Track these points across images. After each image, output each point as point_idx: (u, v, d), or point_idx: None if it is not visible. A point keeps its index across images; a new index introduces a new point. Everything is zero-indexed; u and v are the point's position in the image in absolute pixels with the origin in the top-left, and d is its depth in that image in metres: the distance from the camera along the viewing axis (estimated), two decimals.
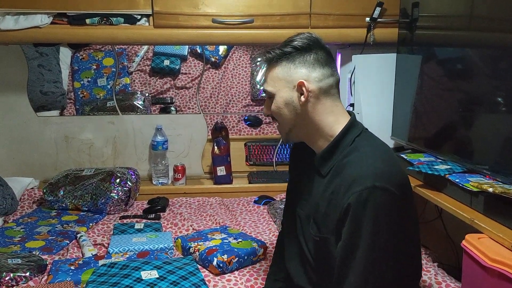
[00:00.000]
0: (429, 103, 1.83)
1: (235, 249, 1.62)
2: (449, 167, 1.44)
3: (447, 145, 1.67)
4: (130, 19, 1.93)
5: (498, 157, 1.38)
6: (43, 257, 1.65)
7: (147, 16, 1.94)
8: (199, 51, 3.05)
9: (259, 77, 3.03)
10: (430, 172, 1.41)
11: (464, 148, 1.56)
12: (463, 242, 1.08)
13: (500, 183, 1.21)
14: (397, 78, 1.90)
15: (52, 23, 1.89)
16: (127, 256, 1.61)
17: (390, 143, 1.91)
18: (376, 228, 0.94)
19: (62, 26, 1.91)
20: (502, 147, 1.39)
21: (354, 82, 1.98)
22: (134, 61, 3.08)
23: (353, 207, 0.97)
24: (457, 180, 1.30)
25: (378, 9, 1.88)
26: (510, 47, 1.39)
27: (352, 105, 2.01)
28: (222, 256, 1.57)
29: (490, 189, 1.11)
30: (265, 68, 1.16)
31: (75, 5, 1.88)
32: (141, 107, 2.83)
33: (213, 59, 3.06)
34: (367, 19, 1.93)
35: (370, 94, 1.95)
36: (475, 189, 1.19)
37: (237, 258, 1.59)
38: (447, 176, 1.36)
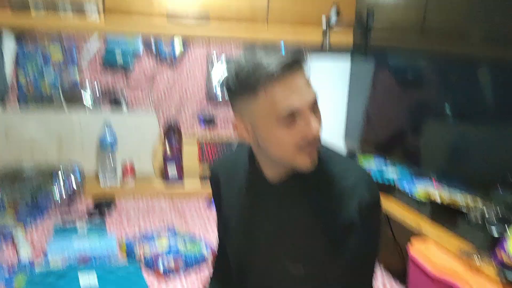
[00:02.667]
0: (381, 109, 1.86)
1: (183, 253, 1.57)
2: (397, 171, 1.46)
3: (397, 150, 1.70)
4: (79, 8, 1.83)
5: (445, 162, 1.41)
6: None
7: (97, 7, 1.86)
8: (153, 47, 2.96)
9: (214, 77, 2.98)
10: (380, 182, 1.42)
11: (412, 153, 1.59)
12: (410, 247, 1.08)
13: (447, 190, 1.23)
14: (351, 83, 1.92)
15: None
16: (67, 261, 1.52)
17: (343, 147, 1.93)
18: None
19: (4, 11, 1.78)
20: (448, 154, 1.42)
21: None
22: (84, 55, 2.94)
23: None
24: (406, 189, 1.31)
25: (334, 16, 1.88)
26: (459, 58, 1.42)
27: None
28: (168, 260, 1.51)
29: (438, 200, 1.12)
30: (296, 74, 0.90)
31: None
32: (90, 102, 2.70)
33: (168, 57, 2.97)
34: (323, 25, 1.93)
35: (324, 98, 1.95)
36: (424, 200, 1.20)
37: (184, 262, 1.53)
38: (395, 183, 1.37)
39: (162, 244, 1.65)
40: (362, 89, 1.89)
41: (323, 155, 0.99)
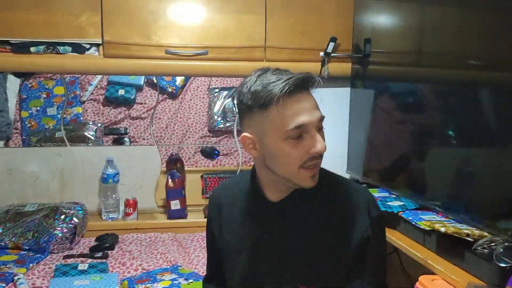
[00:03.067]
0: (383, 137, 1.84)
1: None
2: (402, 203, 1.43)
3: (401, 180, 1.67)
4: (79, 48, 1.86)
5: (449, 192, 1.38)
6: None
7: (97, 45, 1.88)
8: (155, 81, 2.99)
9: (216, 107, 3.00)
10: (383, 208, 1.39)
11: (417, 183, 1.56)
12: (417, 285, 1.05)
13: (453, 222, 1.20)
14: (351, 112, 1.90)
15: None
16: None
17: (346, 177, 1.90)
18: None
19: (5, 54, 1.81)
20: (453, 182, 1.39)
21: None
22: (87, 90, 2.98)
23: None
24: (410, 218, 1.28)
25: (331, 44, 1.89)
26: (458, 82, 1.41)
27: None
28: None
29: (442, 229, 1.10)
30: (303, 94, 0.97)
31: (20, 33, 1.79)
32: (92, 137, 2.72)
33: (170, 89, 3.00)
34: (321, 53, 1.94)
35: (325, 128, 1.94)
36: (427, 228, 1.17)
37: None
38: (400, 213, 1.34)
39: (164, 283, 1.61)
40: (363, 117, 1.87)
41: (323, 175, 1.04)
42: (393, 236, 1.37)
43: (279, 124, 0.95)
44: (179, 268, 1.77)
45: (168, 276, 1.66)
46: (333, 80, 1.95)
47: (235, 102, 1.05)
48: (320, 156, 0.98)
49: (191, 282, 1.60)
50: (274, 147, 0.97)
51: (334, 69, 1.96)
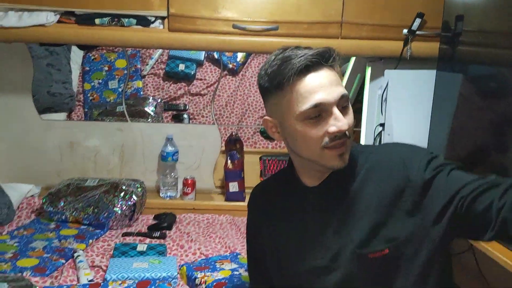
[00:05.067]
0: (469, 125, 1.64)
1: (247, 284, 1.44)
2: None
3: (482, 171, 1.49)
4: (143, 21, 1.77)
5: None
6: (34, 279, 1.50)
7: (162, 18, 1.78)
8: (216, 56, 2.89)
9: None
10: None
11: (505, 175, 1.38)
12: None
13: None
14: (436, 97, 1.71)
15: (58, 21, 1.73)
16: (126, 285, 1.44)
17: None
18: None
19: (69, 26, 1.75)
20: None
21: (385, 99, 1.80)
22: (147, 64, 2.93)
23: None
24: None
25: (418, 21, 1.69)
26: None
27: (382, 125, 1.82)
28: None
29: None
30: (324, 69, 0.91)
31: (84, 3, 1.72)
32: (152, 113, 2.67)
33: (230, 66, 2.89)
34: (405, 31, 1.74)
35: (403, 113, 1.76)
36: None
37: None
38: None
39: (224, 271, 1.53)
40: (448, 103, 1.68)
41: (358, 151, 1.00)
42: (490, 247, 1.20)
43: (295, 105, 0.91)
44: (239, 256, 1.69)
45: (228, 265, 1.58)
46: (416, 61, 1.75)
47: (258, 85, 0.99)
48: (344, 135, 0.91)
49: None
50: (293, 129, 0.93)
51: (418, 48, 1.76)
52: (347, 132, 0.91)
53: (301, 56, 0.89)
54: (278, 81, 0.91)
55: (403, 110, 1.78)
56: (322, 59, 0.90)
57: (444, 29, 1.68)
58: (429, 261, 0.94)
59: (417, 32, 1.73)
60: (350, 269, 0.96)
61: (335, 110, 0.90)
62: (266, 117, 0.98)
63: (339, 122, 0.89)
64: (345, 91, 0.92)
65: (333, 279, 0.98)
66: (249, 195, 2.30)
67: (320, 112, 0.90)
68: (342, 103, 0.91)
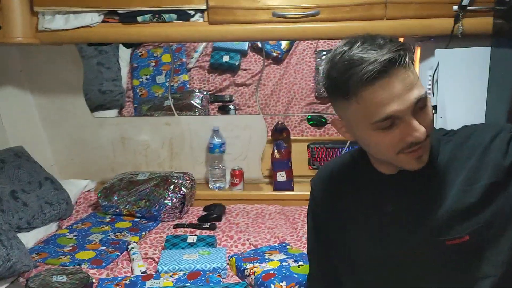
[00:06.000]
0: None
1: (295, 275, 1.43)
2: None
3: None
4: (183, 15, 1.78)
5: None
6: (91, 271, 1.57)
7: (201, 11, 1.78)
8: (260, 45, 2.86)
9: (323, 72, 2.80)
10: None
11: None
12: None
13: None
14: (491, 76, 1.60)
15: (103, 21, 1.79)
16: (177, 276, 1.48)
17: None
18: None
19: (113, 25, 1.80)
20: None
21: (437, 80, 1.71)
22: (192, 57, 2.96)
23: None
24: None
25: None
26: None
27: (434, 107, 1.73)
28: (281, 283, 1.39)
29: None
30: (401, 69, 0.80)
31: (127, 2, 1.76)
32: (198, 106, 2.70)
33: (274, 54, 2.86)
34: (455, 7, 1.64)
35: (456, 94, 1.67)
36: None
37: (297, 286, 1.40)
38: None
39: (273, 262, 1.53)
40: (505, 82, 1.57)
41: (436, 139, 0.92)
42: None
43: (363, 116, 0.82)
44: (287, 247, 1.68)
45: (276, 256, 1.58)
46: (469, 39, 1.65)
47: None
48: (421, 141, 0.82)
49: (301, 265, 1.50)
50: (364, 136, 0.86)
51: (471, 25, 1.65)
52: None
53: (370, 63, 0.78)
54: (343, 90, 0.82)
55: (456, 91, 1.68)
56: (394, 65, 0.79)
57: (498, 2, 1.56)
58: None
59: (468, 8, 1.62)
60: (429, 257, 0.90)
61: (410, 119, 0.81)
62: (335, 118, 0.91)
63: (416, 132, 0.81)
64: (423, 91, 0.81)
65: (411, 267, 0.92)
66: (297, 184, 2.32)
67: (393, 121, 0.81)
68: (419, 105, 0.81)
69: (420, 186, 0.91)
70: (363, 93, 0.80)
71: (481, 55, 1.60)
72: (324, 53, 2.84)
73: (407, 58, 0.80)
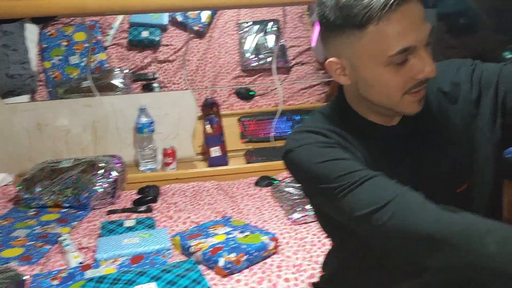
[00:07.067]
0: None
1: (243, 245, 1.41)
2: None
3: None
4: None
5: None
6: (22, 268, 1.44)
7: None
8: (180, 19, 2.75)
9: (247, 44, 2.77)
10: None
11: None
12: None
13: None
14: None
15: None
16: (119, 263, 1.39)
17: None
18: None
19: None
20: None
21: None
22: (108, 34, 2.77)
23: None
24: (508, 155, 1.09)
25: None
26: None
27: None
28: (229, 255, 1.37)
29: None
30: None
31: None
32: (120, 85, 2.55)
33: (196, 28, 2.77)
34: None
35: None
36: None
37: (246, 256, 1.38)
38: None
39: (218, 235, 1.50)
40: None
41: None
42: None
43: (380, 48, 0.74)
44: (231, 220, 1.65)
45: (221, 230, 1.55)
46: None
47: (319, 18, 0.79)
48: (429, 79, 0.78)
49: (247, 235, 1.48)
50: (371, 74, 0.78)
51: None
52: None
53: None
54: (359, 19, 0.73)
55: None
56: None
57: None
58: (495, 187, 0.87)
59: None
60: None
61: (424, 52, 0.75)
62: (332, 59, 0.81)
63: (429, 67, 0.75)
64: (432, 24, 0.76)
65: None
66: (232, 159, 2.30)
67: (407, 56, 0.75)
68: (428, 40, 0.76)
69: (422, 136, 0.86)
70: (384, 21, 0.72)
71: None
72: (246, 25, 2.81)
73: None
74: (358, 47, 0.76)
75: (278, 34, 2.71)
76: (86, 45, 2.62)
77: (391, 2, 0.70)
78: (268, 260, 1.44)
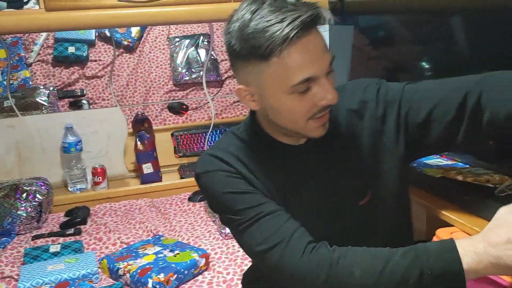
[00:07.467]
0: (365, 75, 1.73)
1: (173, 264, 1.41)
2: None
3: None
4: (15, 2, 1.59)
5: None
6: None
7: None
8: (108, 34, 2.70)
9: (179, 58, 2.76)
10: None
11: None
12: (434, 239, 0.96)
13: (463, 165, 1.10)
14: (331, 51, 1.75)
15: None
16: None
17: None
18: None
19: None
20: None
21: None
22: (32, 51, 2.67)
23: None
24: (414, 165, 1.17)
25: None
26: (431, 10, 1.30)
27: None
28: (158, 276, 1.35)
29: (459, 177, 0.99)
30: (309, 32, 0.76)
31: None
32: (46, 103, 2.45)
33: (125, 43, 2.73)
34: None
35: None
36: (438, 175, 1.07)
37: (176, 275, 1.38)
38: None
39: (147, 256, 1.48)
40: (343, 55, 1.73)
41: None
42: None
43: (283, 78, 0.78)
44: (162, 238, 1.64)
45: (151, 249, 1.53)
46: None
47: (227, 49, 0.82)
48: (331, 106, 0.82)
49: (177, 254, 1.48)
50: (277, 102, 0.81)
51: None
52: None
53: (292, 21, 0.73)
54: (262, 51, 0.76)
55: None
56: (312, 23, 0.76)
57: None
58: (401, 196, 0.92)
59: None
60: (352, 223, 0.90)
61: (324, 81, 0.79)
62: (240, 87, 0.84)
63: (330, 94, 0.79)
64: (332, 54, 0.81)
65: (332, 232, 0.88)
66: (165, 174, 2.28)
67: (309, 84, 0.79)
68: (329, 69, 0.80)
69: (328, 153, 0.90)
70: (286, 53, 0.75)
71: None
72: (177, 39, 2.81)
73: (321, 18, 0.77)
74: (263, 77, 0.80)
75: (209, 48, 2.73)
76: (8, 62, 2.50)
77: (291, 35, 0.73)
78: (200, 277, 1.44)
